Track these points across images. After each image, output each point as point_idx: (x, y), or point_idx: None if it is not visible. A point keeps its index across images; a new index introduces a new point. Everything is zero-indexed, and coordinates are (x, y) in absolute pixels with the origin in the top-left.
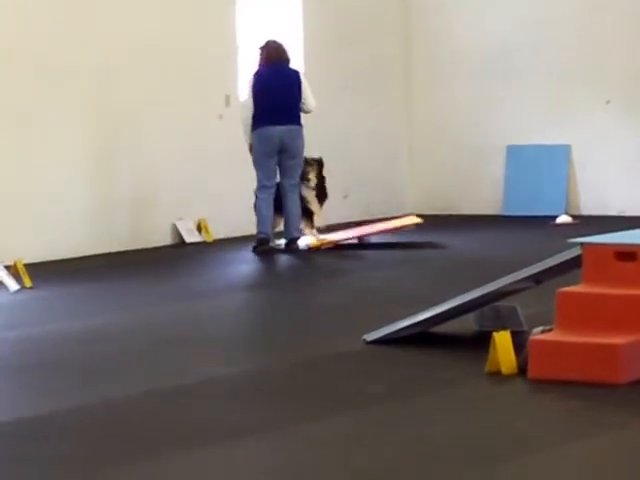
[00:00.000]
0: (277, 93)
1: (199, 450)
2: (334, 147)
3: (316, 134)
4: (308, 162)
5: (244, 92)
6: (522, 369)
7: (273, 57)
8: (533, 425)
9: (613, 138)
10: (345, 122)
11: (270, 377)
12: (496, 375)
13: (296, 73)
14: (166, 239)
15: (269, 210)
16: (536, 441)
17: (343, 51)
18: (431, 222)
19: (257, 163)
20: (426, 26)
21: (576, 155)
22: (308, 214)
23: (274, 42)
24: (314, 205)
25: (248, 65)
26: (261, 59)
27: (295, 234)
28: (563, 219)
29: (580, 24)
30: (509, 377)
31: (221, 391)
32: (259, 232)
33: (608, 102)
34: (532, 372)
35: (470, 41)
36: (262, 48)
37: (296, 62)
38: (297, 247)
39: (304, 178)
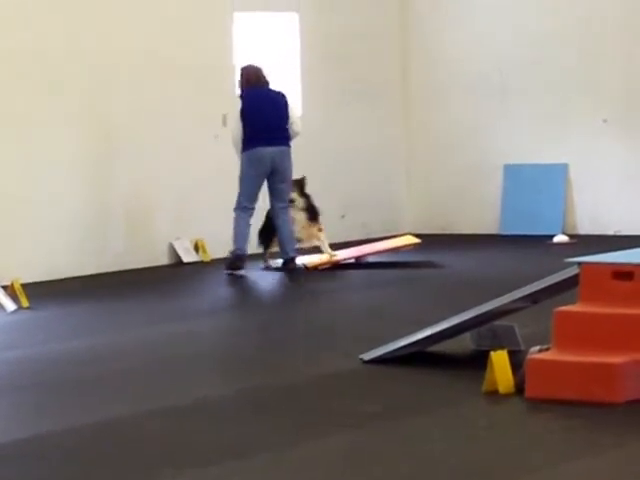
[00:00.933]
0: (267, 114)
1: (197, 470)
2: (331, 166)
3: (313, 153)
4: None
5: (233, 115)
6: (519, 388)
7: (253, 80)
8: (530, 444)
9: (610, 157)
10: (342, 141)
11: (267, 397)
12: (493, 394)
13: (283, 95)
14: (163, 259)
15: (247, 228)
16: (534, 460)
17: (340, 68)
18: (428, 241)
19: (243, 184)
20: (424, 43)
21: (573, 174)
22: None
23: (252, 66)
24: (300, 228)
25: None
26: (242, 82)
27: (291, 254)
28: (560, 238)
29: (577, 42)
30: (506, 396)
31: (218, 411)
32: (236, 248)
33: (605, 121)
34: (529, 391)
35: (467, 60)
36: (242, 71)
37: (293, 79)
38: (295, 266)
39: (289, 201)
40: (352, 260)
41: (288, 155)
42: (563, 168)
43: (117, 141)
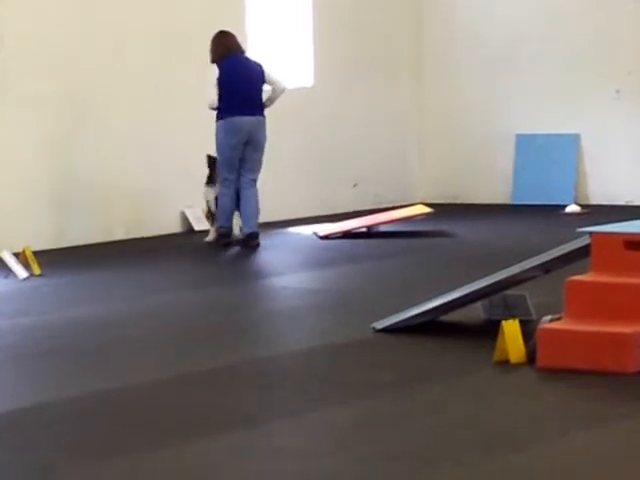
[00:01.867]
0: (245, 84)
1: (214, 437)
2: (343, 136)
3: (326, 124)
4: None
5: (209, 81)
6: (531, 358)
7: (233, 48)
8: (542, 414)
9: (623, 127)
10: (355, 111)
11: (281, 365)
12: (505, 364)
13: (259, 65)
14: (176, 227)
15: (232, 203)
16: (545, 430)
17: (353, 39)
18: (440, 211)
19: (222, 154)
20: (437, 14)
21: (585, 144)
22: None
23: (229, 33)
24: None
25: (257, 55)
26: (220, 49)
27: (255, 229)
28: (572, 208)
29: (591, 13)
30: (518, 366)
31: (233, 379)
32: (221, 226)
33: (617, 91)
34: (541, 361)
35: (481, 30)
36: (218, 38)
37: (305, 49)
38: (258, 243)
39: (212, 180)
40: (364, 229)
41: (264, 125)
42: (575, 138)
43: (129, 112)
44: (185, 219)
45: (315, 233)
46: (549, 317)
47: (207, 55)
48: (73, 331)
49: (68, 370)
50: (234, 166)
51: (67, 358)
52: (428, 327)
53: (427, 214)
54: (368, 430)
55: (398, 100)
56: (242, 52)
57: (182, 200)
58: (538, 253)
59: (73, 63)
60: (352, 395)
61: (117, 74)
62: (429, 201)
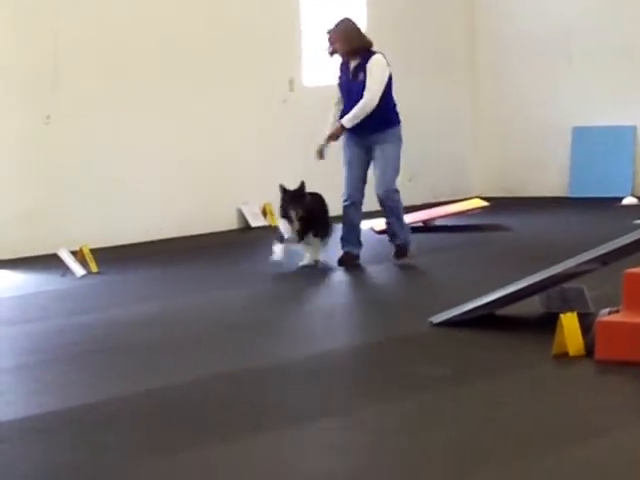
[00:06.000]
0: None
1: (267, 433)
2: None
3: None
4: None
5: (380, 81)
6: (589, 351)
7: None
8: (601, 407)
9: None
10: (410, 105)
11: (336, 360)
12: (563, 357)
13: None
14: (232, 223)
15: None
16: (603, 423)
17: (407, 33)
18: (497, 205)
19: (399, 162)
20: (490, 7)
21: None
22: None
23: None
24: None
25: (312, 49)
26: (366, 39)
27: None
28: (629, 200)
29: None
30: (576, 359)
31: (284, 376)
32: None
33: None
34: (599, 353)
35: (535, 22)
36: (358, 26)
37: None
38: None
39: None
40: (420, 223)
41: None
42: (632, 130)
43: (185, 106)
44: (241, 216)
45: (372, 228)
46: (607, 310)
47: (264, 51)
48: (130, 328)
49: (126, 368)
50: None
51: (120, 356)
52: (486, 321)
53: (483, 208)
54: (422, 424)
55: (453, 94)
56: None
57: (238, 197)
58: (595, 246)
59: (128, 63)
60: (409, 389)
61: (174, 70)
62: (485, 195)
